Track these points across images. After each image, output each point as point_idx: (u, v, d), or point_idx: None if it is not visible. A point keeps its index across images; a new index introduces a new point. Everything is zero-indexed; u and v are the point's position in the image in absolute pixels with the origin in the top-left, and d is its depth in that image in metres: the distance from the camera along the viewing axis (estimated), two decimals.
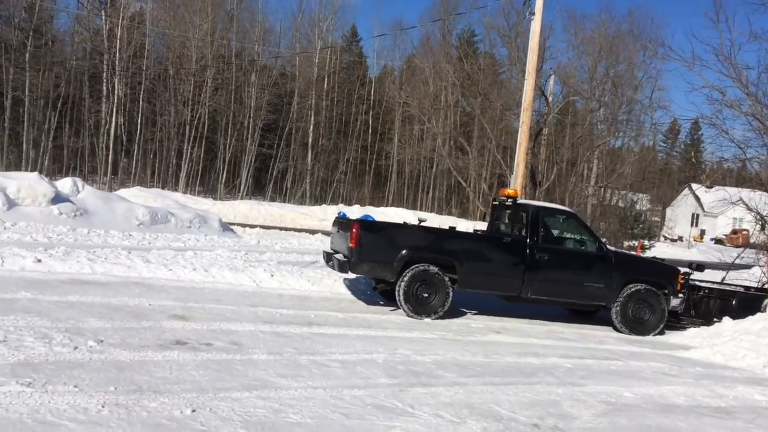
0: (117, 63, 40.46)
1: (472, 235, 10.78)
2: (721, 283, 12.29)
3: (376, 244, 8.93)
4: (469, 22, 53.42)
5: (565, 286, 9.68)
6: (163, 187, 38.59)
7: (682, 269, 10.61)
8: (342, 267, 8.94)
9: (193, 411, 4.48)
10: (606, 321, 10.45)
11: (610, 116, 34.55)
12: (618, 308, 9.72)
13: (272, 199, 42.45)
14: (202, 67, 42.13)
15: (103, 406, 4.36)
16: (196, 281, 9.84)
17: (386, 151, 50.82)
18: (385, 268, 8.91)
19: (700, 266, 11.10)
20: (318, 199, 44.68)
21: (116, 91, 40.43)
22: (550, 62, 29.63)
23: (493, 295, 10.13)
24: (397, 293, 8.92)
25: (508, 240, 9.80)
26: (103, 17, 43.07)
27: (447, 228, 10.22)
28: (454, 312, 9.89)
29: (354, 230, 8.78)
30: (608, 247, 10.49)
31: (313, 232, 22.47)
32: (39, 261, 9.28)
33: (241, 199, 38.65)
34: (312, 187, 47.40)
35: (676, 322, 10.41)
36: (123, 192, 29.51)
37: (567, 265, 9.78)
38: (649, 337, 9.94)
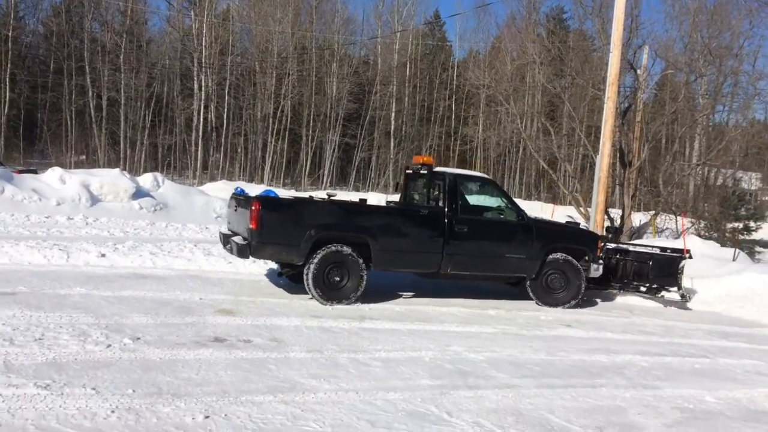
0: (204, 60, 41.71)
1: (387, 209, 9.48)
2: (635, 245, 11.44)
3: (280, 224, 7.89)
4: None
5: (486, 260, 9.04)
6: (250, 180, 39.55)
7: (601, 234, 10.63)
8: (241, 251, 7.82)
9: (206, 417, 4.20)
10: (694, 312, 9.45)
11: (713, 89, 32.03)
12: (536, 279, 9.23)
13: (356, 189, 42.58)
14: (283, 59, 42.74)
15: (113, 411, 4.15)
16: (254, 273, 9.71)
17: (470, 136, 49.73)
18: (291, 250, 7.90)
19: (616, 230, 11.22)
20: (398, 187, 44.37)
21: (203, 88, 41.72)
22: (643, 35, 27.74)
23: (411, 272, 9.25)
24: (305, 278, 7.98)
25: (425, 212, 8.78)
26: (192, 16, 44.50)
27: (358, 202, 9.07)
28: (522, 303, 9.25)
29: (254, 209, 7.69)
30: (527, 215, 9.45)
31: None
32: (103, 256, 9.43)
33: (324, 189, 38.93)
34: (395, 175, 47.15)
35: (596, 288, 10.20)
36: (208, 186, 30.39)
37: (487, 236, 9.04)
38: (746, 330, 8.89)
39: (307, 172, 44.30)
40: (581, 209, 20.76)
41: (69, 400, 4.27)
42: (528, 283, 9.29)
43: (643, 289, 10.40)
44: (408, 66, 49.03)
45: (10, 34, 40.18)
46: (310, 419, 4.33)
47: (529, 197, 42.45)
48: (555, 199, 42.66)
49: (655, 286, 10.28)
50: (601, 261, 9.64)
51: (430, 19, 55.85)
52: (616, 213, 20.14)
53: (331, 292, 7.96)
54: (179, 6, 46.31)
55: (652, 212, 22.44)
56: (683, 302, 10.16)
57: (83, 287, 7.66)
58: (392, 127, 47.46)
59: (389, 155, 47.30)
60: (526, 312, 8.82)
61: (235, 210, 8.70)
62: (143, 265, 9.43)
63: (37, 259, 9.14)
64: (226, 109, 42.46)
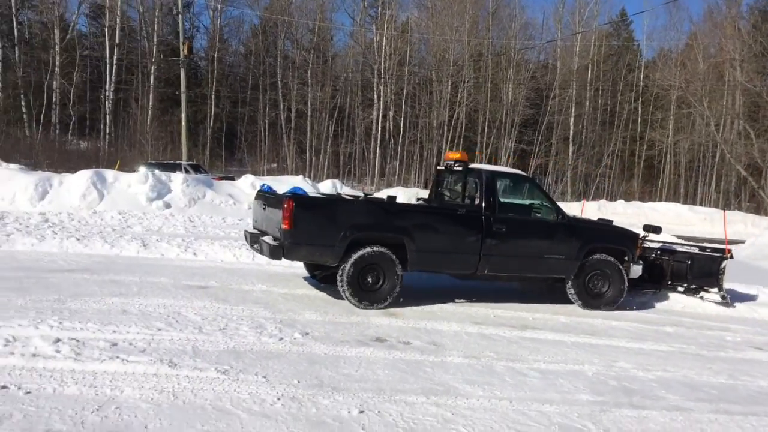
0: (384, 72, 43.41)
1: (424, 208, 8.85)
2: (674, 244, 10.67)
3: (314, 224, 7.44)
4: None
5: (525, 260, 8.46)
6: (425, 187, 40.40)
7: (641, 232, 9.75)
8: (274, 253, 7.41)
9: (361, 412, 4.40)
10: None
11: None
12: (577, 280, 8.66)
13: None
14: (459, 67, 43.13)
15: (278, 399, 4.50)
16: (422, 278, 9.91)
17: (657, 141, 46.39)
18: (326, 251, 7.49)
19: (656, 228, 9.82)
20: (580, 195, 42.64)
21: (382, 98, 43.41)
22: None
23: (447, 274, 8.63)
24: (339, 281, 7.54)
25: (462, 211, 8.23)
26: (374, 30, 46.57)
27: (394, 201, 8.41)
28: (706, 321, 8.48)
29: (287, 207, 7.25)
30: (567, 214, 8.76)
31: None
32: None
33: None
34: (574, 182, 45.41)
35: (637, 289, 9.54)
36: (385, 192, 31.48)
37: (526, 236, 8.49)
38: None
39: None
40: None
41: (242, 385, 4.71)
42: (569, 284, 8.70)
43: (680, 289, 9.70)
44: (590, 68, 47.02)
45: (215, 55, 44.95)
46: (459, 423, 4.36)
47: (727, 206, 38.58)
48: (759, 209, 38.38)
49: (693, 286, 9.56)
50: (640, 261, 9.12)
51: (615, 18, 53.15)
52: None
53: (365, 294, 7.55)
54: (362, 21, 48.72)
55: None
56: (724, 303, 9.38)
57: (264, 284, 8.37)
58: (571, 132, 45.79)
59: (567, 161, 45.68)
60: (709, 331, 8.07)
61: (263, 209, 8.30)
62: None
63: (228, 258, 10.15)
64: (403, 118, 43.79)
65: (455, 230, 8.03)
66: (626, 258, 8.86)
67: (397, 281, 7.61)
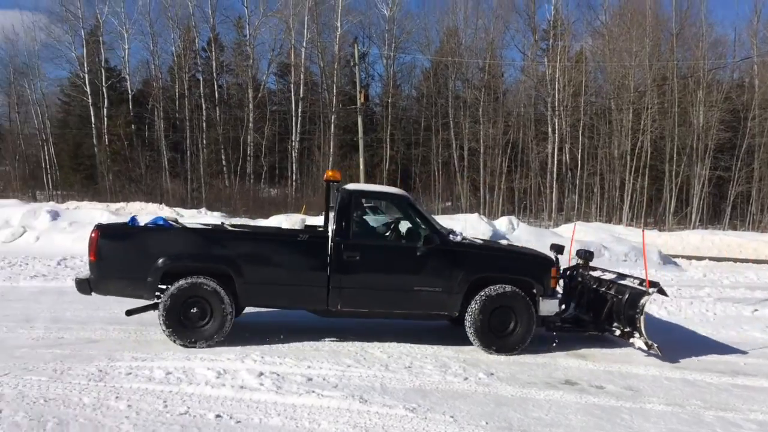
0: (558, 104, 42.38)
1: (254, 234, 7.74)
2: (610, 273, 8.15)
3: (124, 255, 6.78)
4: None
5: (388, 294, 7.06)
6: (608, 221, 38.37)
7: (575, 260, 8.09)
8: (81, 286, 6.75)
9: None
10: None
11: None
12: (469, 317, 7.06)
13: (732, 227, 37.78)
14: (641, 93, 40.80)
15: None
16: None
17: None
18: (138, 284, 6.69)
19: (588, 254, 8.21)
20: None
21: (557, 131, 42.29)
22: None
23: (299, 309, 7.41)
24: (159, 316, 6.67)
25: (304, 237, 7.18)
26: (546, 63, 45.84)
27: (221, 226, 7.51)
28: None
29: (93, 238, 6.66)
30: (454, 236, 7.28)
31: None
32: None
33: (692, 228, 35.52)
34: None
35: (574, 330, 7.68)
36: (563, 228, 30.37)
37: (388, 265, 7.11)
38: None
39: (671, 211, 41.03)
40: None
41: (431, 424, 4.70)
42: (465, 321, 7.13)
43: (618, 333, 7.34)
44: None
45: (389, 100, 46.90)
46: None
47: None
48: None
49: (627, 329, 7.19)
50: (558, 294, 7.56)
51: None
52: None
53: (187, 331, 6.66)
54: (533, 55, 48.18)
55: None
56: (650, 352, 6.87)
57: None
58: None
59: None
60: None
61: None
62: None
63: None
64: (580, 150, 42.21)
65: (295, 259, 7.02)
66: (534, 291, 7.22)
67: (225, 317, 6.67)
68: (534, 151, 43.74)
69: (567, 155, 42.99)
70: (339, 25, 44.37)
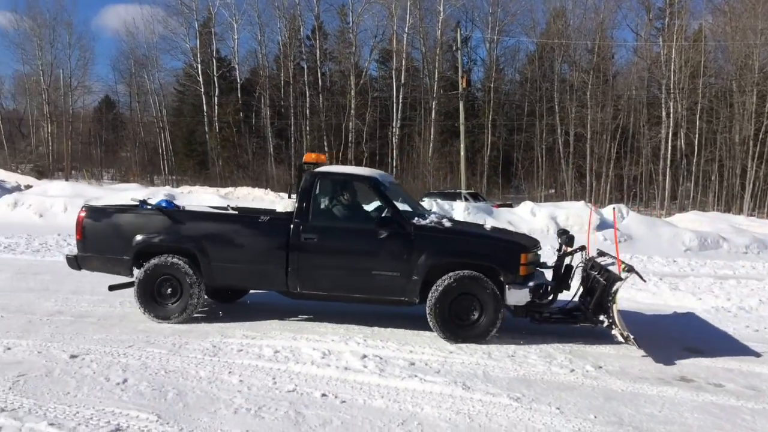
0: (673, 86, 40.04)
1: (218, 216, 7.66)
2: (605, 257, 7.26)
3: (104, 234, 7.24)
4: None
5: (345, 277, 6.92)
6: (727, 210, 35.99)
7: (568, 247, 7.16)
8: (71, 262, 7.35)
9: None
10: None
11: None
12: (428, 305, 6.64)
13: None
14: (766, 74, 37.74)
15: None
16: (726, 308, 8.75)
17: None
18: (117, 262, 7.18)
19: (568, 236, 7.15)
20: None
21: (672, 115, 39.99)
22: None
23: (262, 290, 7.86)
24: (134, 291, 7.09)
25: (265, 219, 7.13)
26: (661, 43, 43.39)
27: (188, 209, 7.76)
28: None
29: (79, 218, 7.28)
30: (418, 218, 6.92)
31: None
32: None
33: None
34: None
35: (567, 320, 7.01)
36: (677, 217, 28.75)
37: (345, 247, 7.00)
38: None
39: None
40: None
41: (536, 415, 4.59)
42: (426, 309, 6.67)
43: (605, 324, 6.44)
44: None
45: (492, 85, 46.08)
46: None
47: None
48: None
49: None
50: (530, 283, 6.66)
51: None
52: None
53: (158, 306, 7.05)
54: (647, 35, 45.75)
55: None
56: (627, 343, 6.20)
57: None
58: None
59: None
60: None
61: None
62: None
63: None
64: (697, 135, 39.73)
65: (257, 240, 7.06)
66: (501, 278, 6.62)
67: (192, 294, 6.95)
68: (646, 136, 41.67)
69: (682, 140, 40.59)
70: (441, 9, 44.03)
